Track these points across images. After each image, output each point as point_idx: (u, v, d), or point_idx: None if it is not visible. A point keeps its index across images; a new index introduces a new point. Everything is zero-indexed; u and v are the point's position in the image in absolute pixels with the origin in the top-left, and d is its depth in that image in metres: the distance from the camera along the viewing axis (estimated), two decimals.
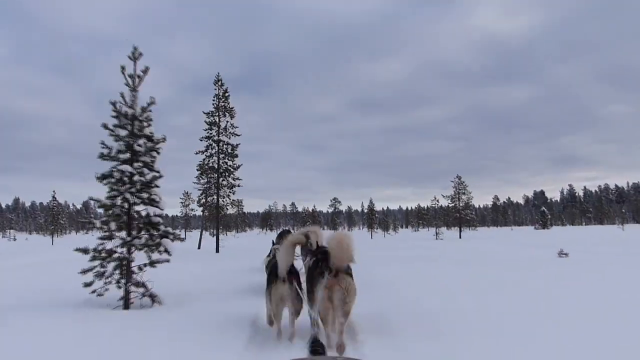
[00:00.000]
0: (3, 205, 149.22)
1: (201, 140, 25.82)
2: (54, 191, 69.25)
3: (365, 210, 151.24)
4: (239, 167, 26.40)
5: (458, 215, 49.97)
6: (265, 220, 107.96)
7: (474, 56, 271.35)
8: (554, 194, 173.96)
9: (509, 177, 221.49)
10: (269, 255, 7.64)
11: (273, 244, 7.62)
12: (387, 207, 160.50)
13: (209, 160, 25.84)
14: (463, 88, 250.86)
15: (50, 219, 64.52)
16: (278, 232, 9.13)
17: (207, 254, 21.29)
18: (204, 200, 27.44)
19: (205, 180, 26.50)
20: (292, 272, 4.80)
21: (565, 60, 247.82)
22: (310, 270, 4.69)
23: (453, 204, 51.59)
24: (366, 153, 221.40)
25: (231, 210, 29.77)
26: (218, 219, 26.12)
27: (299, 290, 4.72)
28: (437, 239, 46.95)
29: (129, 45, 7.49)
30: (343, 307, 4.14)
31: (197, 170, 26.16)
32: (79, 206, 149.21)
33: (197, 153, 25.71)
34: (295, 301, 4.71)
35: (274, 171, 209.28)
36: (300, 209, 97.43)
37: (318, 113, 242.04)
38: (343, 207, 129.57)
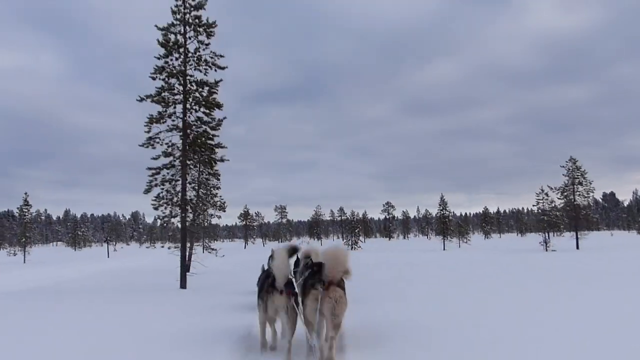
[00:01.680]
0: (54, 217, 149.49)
1: (153, 79, 13.76)
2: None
3: (420, 217, 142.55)
4: (218, 124, 14.14)
5: (574, 215, 34.41)
6: (312, 228, 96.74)
7: (529, 56, 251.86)
8: (623, 197, 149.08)
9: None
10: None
11: (263, 269, 6.23)
12: (442, 213, 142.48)
13: (164, 113, 13.71)
14: (519, 89, 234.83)
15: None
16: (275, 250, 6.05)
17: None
18: (164, 193, 14.71)
19: (163, 150, 14.06)
20: (289, 285, 4.74)
21: (627, 58, 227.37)
22: (305, 282, 4.71)
23: (563, 198, 36.15)
24: (419, 157, 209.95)
25: (215, 219, 18.54)
26: (184, 228, 13.74)
27: (294, 305, 4.67)
28: (547, 249, 32.45)
29: None
30: (333, 319, 4.14)
31: (146, 130, 13.92)
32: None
33: (140, 100, 13.61)
34: (291, 314, 4.62)
35: (326, 179, 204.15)
36: (348, 214, 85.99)
37: (370, 118, 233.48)
38: (397, 213, 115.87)
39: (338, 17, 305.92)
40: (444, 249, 43.66)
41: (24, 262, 39.13)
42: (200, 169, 15.71)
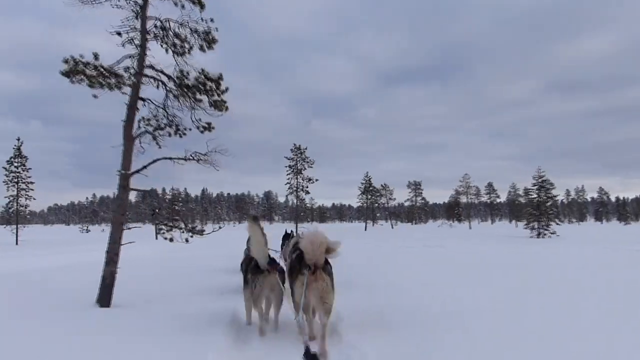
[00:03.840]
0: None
1: None
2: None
3: (569, 200, 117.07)
4: None
5: None
6: (452, 209, 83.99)
7: None
8: None
9: None
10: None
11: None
12: (592, 198, 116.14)
13: None
14: None
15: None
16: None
17: None
18: None
19: None
20: (273, 263, 4.70)
21: None
22: (292, 265, 4.56)
23: None
24: (568, 139, 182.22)
25: None
26: None
27: (279, 281, 4.68)
28: None
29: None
30: (322, 305, 4.12)
31: None
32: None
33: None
34: (277, 291, 4.66)
35: (460, 161, 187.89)
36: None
37: (510, 98, 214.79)
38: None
39: None
40: None
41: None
42: None
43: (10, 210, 34.30)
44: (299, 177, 33.28)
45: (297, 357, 3.27)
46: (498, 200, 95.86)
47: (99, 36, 6.37)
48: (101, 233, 51.34)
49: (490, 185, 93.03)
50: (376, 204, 68.85)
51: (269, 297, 4.65)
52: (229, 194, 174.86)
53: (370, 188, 62.22)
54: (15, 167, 33.14)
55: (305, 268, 4.14)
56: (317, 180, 34.43)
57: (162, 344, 4.11)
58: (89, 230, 57.44)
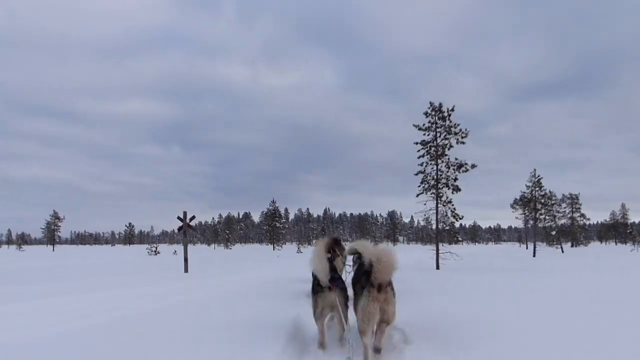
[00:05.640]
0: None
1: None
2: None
3: None
4: None
5: None
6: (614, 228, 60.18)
7: None
8: None
9: None
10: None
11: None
12: None
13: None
14: None
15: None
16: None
17: None
18: None
19: None
20: (335, 279, 4.53)
21: None
22: (355, 280, 4.47)
23: None
24: None
25: None
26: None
27: (340, 300, 4.46)
28: None
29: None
30: (384, 318, 4.01)
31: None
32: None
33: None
34: (338, 310, 4.46)
35: (602, 178, 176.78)
36: None
37: None
38: None
39: None
40: None
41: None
42: None
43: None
44: (440, 161, 18.12)
45: None
46: None
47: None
48: (173, 255, 42.01)
49: None
50: (543, 217, 46.69)
51: (332, 315, 4.65)
52: (351, 213, 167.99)
53: (542, 194, 40.86)
54: None
55: (367, 285, 4.02)
56: (474, 166, 18.96)
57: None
58: (158, 252, 44.41)
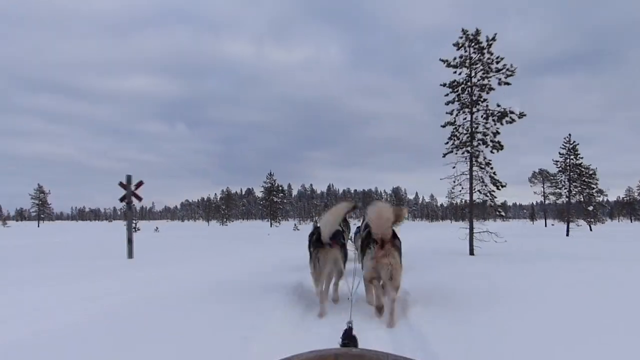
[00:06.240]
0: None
1: None
2: None
3: None
4: None
5: None
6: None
7: None
8: None
9: None
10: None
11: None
12: None
13: None
14: None
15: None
16: None
17: None
18: None
19: None
20: (336, 237, 4.64)
21: None
22: (362, 240, 4.64)
23: None
24: None
25: None
26: None
27: (339, 256, 4.68)
28: None
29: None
30: (391, 282, 4.09)
31: None
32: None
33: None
34: (340, 267, 4.66)
35: (610, 155, 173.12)
36: None
37: None
38: None
39: None
40: None
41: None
42: None
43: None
44: (476, 109, 13.27)
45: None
46: None
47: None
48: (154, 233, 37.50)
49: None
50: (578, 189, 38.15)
51: (331, 272, 4.69)
52: (355, 190, 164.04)
53: (579, 162, 34.90)
54: None
55: (373, 243, 4.15)
56: (522, 115, 13.62)
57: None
58: (138, 229, 37.44)
